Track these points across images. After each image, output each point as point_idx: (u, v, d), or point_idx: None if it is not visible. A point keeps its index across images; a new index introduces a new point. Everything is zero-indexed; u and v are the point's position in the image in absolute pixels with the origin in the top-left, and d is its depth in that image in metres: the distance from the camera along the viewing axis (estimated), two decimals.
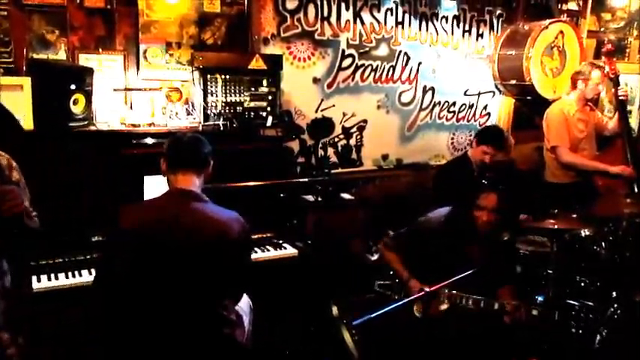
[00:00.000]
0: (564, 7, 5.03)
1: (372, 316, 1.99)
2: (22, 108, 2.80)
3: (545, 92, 4.56)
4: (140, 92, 3.36)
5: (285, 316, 3.22)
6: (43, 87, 2.86)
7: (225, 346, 2.21)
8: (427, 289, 2.27)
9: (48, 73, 2.93)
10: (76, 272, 2.72)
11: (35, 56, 3.15)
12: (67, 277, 2.68)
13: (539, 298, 3.12)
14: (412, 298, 2.40)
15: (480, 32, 4.79)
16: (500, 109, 5.03)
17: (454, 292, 2.71)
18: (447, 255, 2.75)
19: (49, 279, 2.65)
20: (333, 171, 4.20)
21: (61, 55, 3.22)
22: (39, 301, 2.54)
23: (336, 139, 4.29)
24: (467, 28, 4.71)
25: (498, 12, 4.85)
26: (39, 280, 2.62)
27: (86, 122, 3.04)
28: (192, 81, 3.49)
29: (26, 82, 2.83)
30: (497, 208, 2.77)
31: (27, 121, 2.81)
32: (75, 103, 2.94)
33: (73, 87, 2.93)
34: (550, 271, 3.15)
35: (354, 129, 4.37)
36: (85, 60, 3.26)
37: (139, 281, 2.09)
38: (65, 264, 2.74)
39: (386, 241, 3.06)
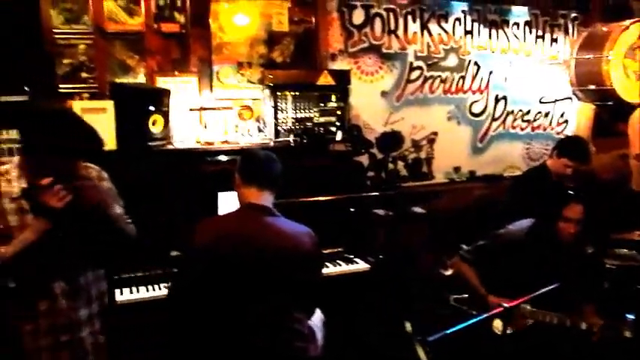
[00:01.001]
0: None
1: (448, 332, 1.93)
2: (105, 129, 2.95)
3: (628, 96, 4.31)
4: (214, 111, 3.47)
5: (359, 330, 3.19)
6: (124, 109, 3.00)
7: None
8: (506, 305, 2.18)
9: (128, 96, 3.08)
10: (156, 285, 2.83)
11: (117, 80, 3.33)
12: (147, 290, 2.79)
13: (630, 316, 2.92)
14: (490, 314, 2.31)
15: (554, 37, 4.62)
16: (578, 116, 4.81)
17: (536, 309, 2.59)
18: (527, 269, 2.63)
19: (131, 292, 2.77)
20: (403, 184, 4.15)
21: (140, 78, 3.39)
22: (120, 312, 2.66)
23: (406, 153, 4.25)
24: (540, 33, 4.57)
25: (573, 15, 4.67)
26: (121, 293, 2.74)
27: (164, 141, 3.17)
28: (262, 99, 3.57)
29: (109, 105, 2.99)
30: (584, 219, 2.63)
31: (110, 142, 2.96)
32: (153, 123, 3.08)
33: (151, 108, 3.06)
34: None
35: (424, 141, 4.31)
36: (162, 82, 3.41)
37: (214, 295, 2.13)
38: (145, 277, 2.86)
39: (462, 253, 2.96)
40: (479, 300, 2.81)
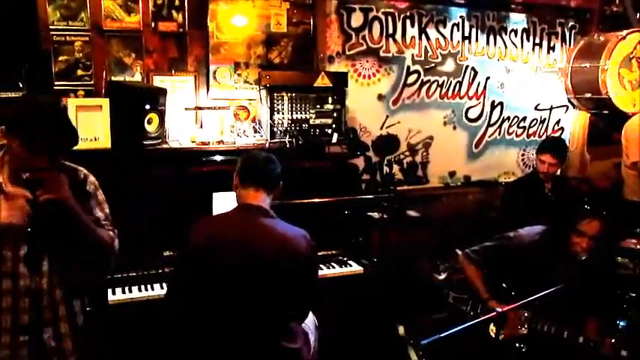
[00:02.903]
0: None
1: (441, 336, 1.92)
2: (101, 127, 2.95)
3: (623, 106, 4.34)
4: (210, 111, 3.47)
5: (352, 334, 3.18)
6: (120, 107, 2.99)
7: None
8: (499, 310, 2.18)
9: (124, 95, 3.07)
10: (149, 286, 2.81)
11: (113, 78, 3.31)
12: (139, 290, 2.77)
13: (622, 323, 2.93)
14: (482, 319, 2.30)
15: (552, 45, 4.64)
16: (574, 124, 4.83)
17: (535, 317, 2.58)
18: (533, 275, 2.61)
19: (124, 292, 2.74)
20: (398, 188, 4.14)
21: (137, 77, 3.37)
22: (112, 312, 2.64)
23: (402, 156, 4.25)
24: (537, 41, 4.59)
25: (571, 24, 4.69)
26: (114, 293, 2.72)
27: (159, 140, 3.15)
28: (259, 99, 3.56)
29: (105, 103, 2.98)
30: (599, 235, 2.60)
31: (105, 140, 2.96)
32: (149, 122, 3.06)
33: (147, 107, 3.04)
34: (633, 294, 2.96)
35: (420, 145, 4.31)
36: (158, 81, 3.40)
37: (209, 294, 2.12)
38: (138, 277, 2.84)
39: (468, 252, 2.92)
40: (480, 302, 2.79)
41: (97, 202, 2.10)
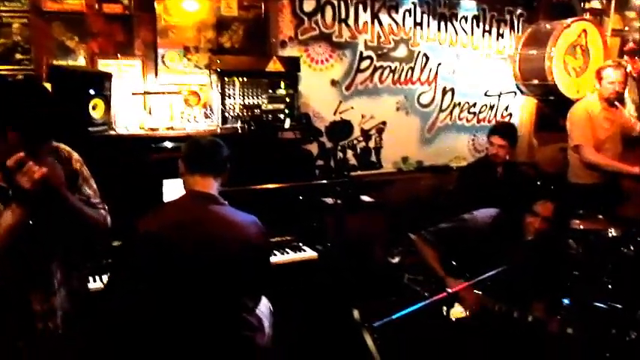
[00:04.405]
0: (587, 5, 4.91)
1: (393, 317, 1.95)
2: None
3: (568, 92, 4.47)
4: (159, 96, 3.39)
5: (307, 319, 3.19)
6: (63, 93, 2.88)
7: (246, 350, 2.19)
8: (449, 291, 2.22)
9: (67, 79, 2.96)
10: (97, 277, 2.72)
11: (55, 63, 3.18)
12: (88, 281, 2.68)
13: (565, 301, 3.03)
14: (433, 299, 2.33)
15: (501, 32, 4.73)
16: (522, 110, 4.95)
17: (487, 296, 2.65)
18: (486, 256, 2.66)
19: None
20: (352, 173, 4.17)
21: (81, 61, 3.26)
22: None
23: (355, 142, 4.26)
24: (487, 28, 4.66)
25: (519, 11, 4.80)
26: None
27: (105, 127, 3.06)
28: (210, 85, 3.50)
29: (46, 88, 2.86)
30: (551, 217, 2.69)
31: None
32: (94, 108, 2.96)
33: (92, 92, 2.94)
34: (576, 273, 3.07)
35: (373, 131, 4.34)
36: (104, 65, 3.29)
37: (161, 284, 2.07)
38: (87, 269, 2.74)
39: (424, 234, 2.95)
40: (437, 281, 2.83)
41: (84, 179, 2.03)
